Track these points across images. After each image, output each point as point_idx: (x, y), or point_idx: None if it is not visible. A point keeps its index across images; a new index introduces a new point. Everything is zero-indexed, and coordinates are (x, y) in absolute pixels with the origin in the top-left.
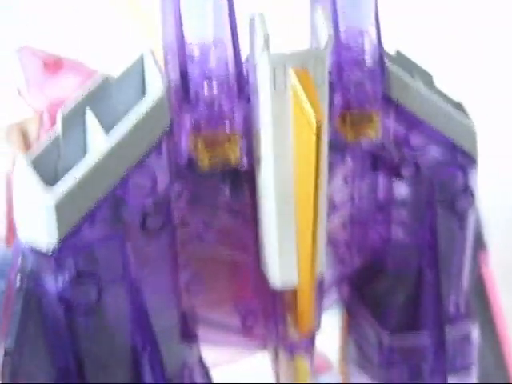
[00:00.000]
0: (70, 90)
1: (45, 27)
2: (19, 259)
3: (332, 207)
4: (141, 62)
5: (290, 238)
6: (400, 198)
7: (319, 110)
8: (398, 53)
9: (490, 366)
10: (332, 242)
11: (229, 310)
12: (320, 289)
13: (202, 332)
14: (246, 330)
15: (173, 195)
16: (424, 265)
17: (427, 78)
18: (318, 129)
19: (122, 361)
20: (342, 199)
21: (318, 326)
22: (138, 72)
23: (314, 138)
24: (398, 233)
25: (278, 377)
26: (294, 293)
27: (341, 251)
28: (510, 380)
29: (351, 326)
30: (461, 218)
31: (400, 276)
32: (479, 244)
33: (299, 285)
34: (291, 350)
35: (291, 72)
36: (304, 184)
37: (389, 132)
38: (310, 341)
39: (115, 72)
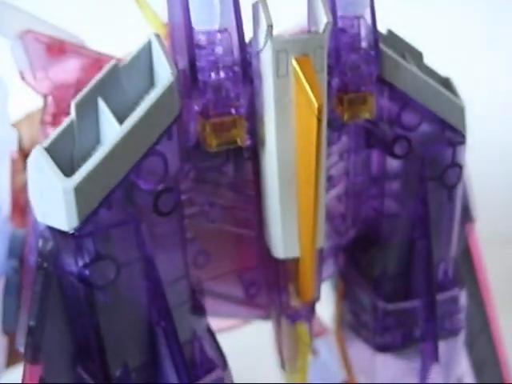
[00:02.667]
0: (73, 73)
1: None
2: (39, 241)
3: (328, 181)
4: (148, 47)
5: (292, 213)
6: (392, 172)
7: (320, 96)
8: (390, 32)
9: (475, 329)
10: (328, 214)
11: (233, 281)
12: (319, 260)
13: (208, 304)
14: (249, 300)
15: (180, 175)
16: (416, 235)
17: (417, 56)
18: (320, 113)
19: (139, 335)
20: (338, 174)
21: (318, 295)
22: (146, 57)
23: (315, 121)
24: (391, 205)
25: (279, 343)
26: (295, 263)
27: (336, 223)
28: (495, 342)
29: (347, 294)
30: (450, 190)
31: (393, 246)
32: (467, 215)
33: (301, 256)
34: (293, 318)
35: (293, 60)
36: (305, 163)
37: (382, 111)
38: (311, 309)
39: (119, 53)
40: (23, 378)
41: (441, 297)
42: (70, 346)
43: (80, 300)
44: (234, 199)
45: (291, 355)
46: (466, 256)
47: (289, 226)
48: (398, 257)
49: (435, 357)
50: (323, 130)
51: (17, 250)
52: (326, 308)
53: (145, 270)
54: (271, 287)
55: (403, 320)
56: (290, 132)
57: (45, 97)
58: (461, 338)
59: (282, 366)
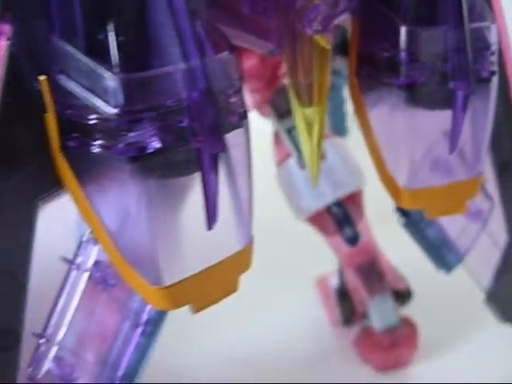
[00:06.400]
0: None
1: None
2: None
3: None
4: None
5: None
6: None
7: None
8: None
9: (498, 117)
10: None
11: None
12: None
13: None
14: (255, 17)
15: None
16: None
17: None
18: None
19: None
20: None
21: None
22: None
23: None
24: None
25: (294, 75)
26: None
27: None
28: None
29: (363, 34)
30: None
31: None
32: None
33: None
34: (309, 21)
35: None
36: None
37: None
38: (331, 5)
39: None
40: None
41: (470, 29)
42: None
43: None
44: None
45: (308, 78)
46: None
47: None
48: None
49: (471, 90)
50: None
51: None
52: None
53: None
54: None
55: (431, 48)
56: None
57: None
58: (493, 89)
59: (299, 99)
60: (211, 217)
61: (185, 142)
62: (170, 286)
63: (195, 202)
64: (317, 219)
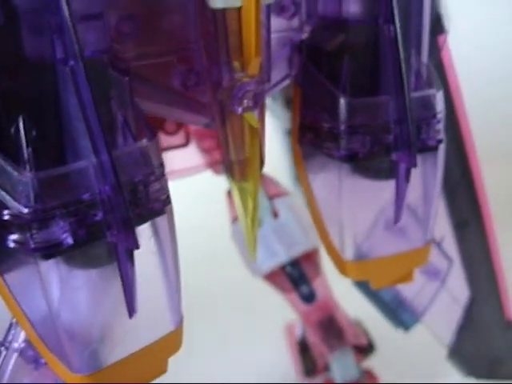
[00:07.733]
0: None
1: None
2: None
3: None
4: None
5: None
6: None
7: None
8: None
9: (455, 176)
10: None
11: (167, 68)
12: (267, 17)
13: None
14: (187, 92)
15: None
16: (381, 21)
17: None
18: None
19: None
20: None
21: (268, 74)
22: None
23: None
24: None
25: (226, 147)
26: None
27: (288, 15)
28: (477, 191)
29: (304, 104)
30: None
31: (357, 33)
32: (439, 26)
33: (244, 8)
34: (238, 99)
35: None
36: None
37: None
38: (259, 83)
39: None
40: None
41: (414, 95)
42: None
43: None
44: None
45: (240, 155)
46: (439, 72)
47: None
48: (362, 47)
49: (412, 163)
50: None
51: None
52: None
53: None
54: (212, 66)
55: (371, 120)
56: None
57: None
58: (440, 156)
59: (232, 175)
60: (130, 307)
61: (100, 235)
62: (93, 373)
63: (118, 289)
64: (272, 278)
